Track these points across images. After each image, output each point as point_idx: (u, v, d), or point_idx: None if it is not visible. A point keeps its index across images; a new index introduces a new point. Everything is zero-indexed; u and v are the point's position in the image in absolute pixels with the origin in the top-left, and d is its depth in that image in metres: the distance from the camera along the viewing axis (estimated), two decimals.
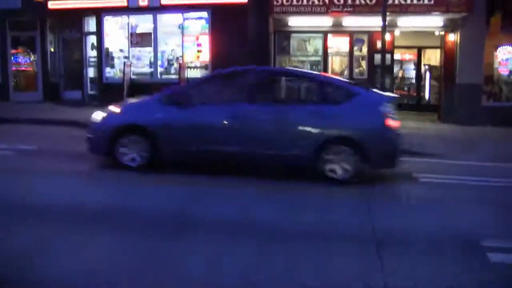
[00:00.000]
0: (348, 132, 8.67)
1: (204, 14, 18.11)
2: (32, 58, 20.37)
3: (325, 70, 18.70)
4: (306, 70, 10.10)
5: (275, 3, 17.29)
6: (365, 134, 8.63)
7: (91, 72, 19.94)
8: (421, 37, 19.95)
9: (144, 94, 10.69)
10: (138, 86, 17.29)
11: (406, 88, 23.08)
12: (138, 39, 19.02)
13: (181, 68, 17.94)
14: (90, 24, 19.61)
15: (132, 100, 10.42)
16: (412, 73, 23.01)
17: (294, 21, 18.27)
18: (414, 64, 22.78)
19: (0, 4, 19.01)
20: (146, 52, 18.99)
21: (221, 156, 8.92)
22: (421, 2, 16.76)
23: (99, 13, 18.95)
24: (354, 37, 18.68)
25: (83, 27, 19.76)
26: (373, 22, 16.48)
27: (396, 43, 18.74)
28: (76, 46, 20.02)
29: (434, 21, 17.79)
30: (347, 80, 10.21)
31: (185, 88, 9.49)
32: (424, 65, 22.52)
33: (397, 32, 18.30)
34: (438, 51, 20.10)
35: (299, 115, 8.83)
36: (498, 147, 13.39)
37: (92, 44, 19.74)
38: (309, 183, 8.65)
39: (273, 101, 9.26)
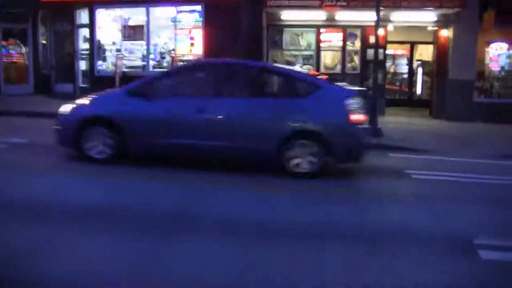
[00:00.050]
0: (312, 126, 8.64)
1: (197, 7, 18.02)
2: (24, 50, 20.22)
3: (318, 64, 18.70)
4: (269, 63, 10.11)
5: None
6: (329, 128, 8.61)
7: (83, 65, 19.81)
8: (413, 32, 19.97)
9: None
10: (130, 79, 17.07)
11: (398, 83, 23.15)
12: (131, 32, 18.91)
13: (174, 61, 17.87)
14: (82, 16, 19.47)
15: (101, 93, 10.37)
16: (404, 68, 23.08)
17: (287, 15, 18.23)
18: (407, 59, 22.84)
19: None
20: (139, 45, 18.88)
21: (186, 149, 8.90)
22: None
23: (91, 5, 18.83)
24: (347, 31, 18.66)
25: (75, 20, 19.60)
26: (366, 16, 16.50)
27: (389, 38, 18.73)
28: (68, 39, 19.87)
29: (427, 16, 17.80)
30: (312, 74, 10.23)
31: (151, 81, 9.48)
32: (417, 60, 22.56)
33: (390, 27, 18.29)
34: (430, 47, 20.15)
35: (263, 108, 8.82)
36: (490, 143, 13.45)
37: (84, 36, 19.62)
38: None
39: (236, 95, 9.23)
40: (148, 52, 18.69)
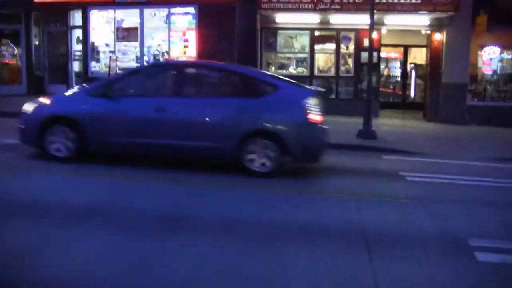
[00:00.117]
0: (269, 126, 8.70)
1: (191, 9, 18.02)
2: (17, 51, 20.15)
3: (312, 67, 18.72)
4: (228, 64, 10.23)
5: None
6: (286, 128, 8.67)
7: (76, 66, 19.78)
8: (407, 36, 20.01)
9: None
10: None
11: (391, 86, 23.20)
12: (124, 34, 18.89)
13: None
14: (76, 17, 19.44)
15: (64, 92, 10.49)
16: (397, 72, 23.13)
17: (282, 18, 18.25)
18: (400, 63, 22.90)
19: None
20: (132, 47, 18.87)
21: (145, 148, 9.01)
22: (408, 0, 16.82)
23: (85, 6, 18.80)
24: (341, 34, 18.69)
25: (68, 21, 19.58)
26: (360, 20, 16.55)
27: (383, 41, 18.78)
28: (61, 40, 19.84)
29: (421, 20, 17.86)
30: (271, 74, 10.29)
31: (112, 80, 9.69)
32: (410, 63, 22.62)
33: (384, 30, 18.34)
34: (424, 50, 20.22)
35: (221, 108, 8.88)
36: (484, 146, 13.51)
37: (78, 37, 19.58)
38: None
39: (195, 95, 9.29)
40: (142, 54, 18.66)
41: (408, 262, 5.31)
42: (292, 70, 19.03)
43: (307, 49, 18.87)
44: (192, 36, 18.02)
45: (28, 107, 9.42)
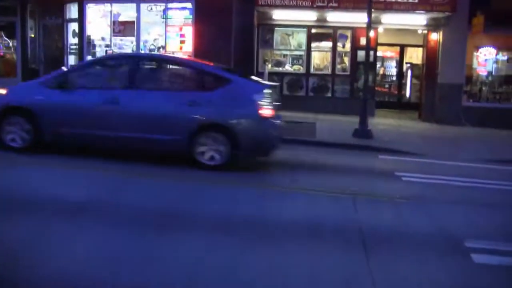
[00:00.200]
0: (220, 119, 8.75)
1: (188, 4, 17.90)
2: (12, 44, 20.02)
3: (308, 64, 18.72)
4: (181, 56, 10.32)
5: None
6: (237, 122, 8.76)
7: (71, 60, 19.64)
8: (403, 35, 20.04)
9: None
10: None
11: (387, 86, 23.21)
12: (121, 28, 18.76)
13: None
14: (72, 11, 19.29)
15: (20, 83, 10.53)
16: (393, 71, 23.14)
17: (279, 15, 18.23)
18: (396, 62, 22.90)
19: None
20: (128, 41, 18.72)
21: (100, 140, 9.05)
22: (405, 0, 16.83)
23: (81, 0, 18.68)
24: (338, 32, 18.68)
25: (64, 14, 19.42)
26: (357, 18, 16.54)
27: (379, 40, 18.79)
28: (57, 33, 19.68)
29: (417, 20, 17.89)
30: (224, 67, 10.36)
31: (66, 72, 9.78)
32: (406, 63, 22.64)
33: (380, 29, 18.35)
34: (420, 50, 20.25)
35: (172, 101, 8.92)
36: (480, 147, 13.55)
37: (74, 31, 19.44)
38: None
39: (147, 87, 9.30)
40: (138, 48, 18.54)
41: (403, 263, 5.29)
42: (288, 67, 19.03)
43: (304, 47, 18.87)
44: (189, 32, 17.93)
45: None
